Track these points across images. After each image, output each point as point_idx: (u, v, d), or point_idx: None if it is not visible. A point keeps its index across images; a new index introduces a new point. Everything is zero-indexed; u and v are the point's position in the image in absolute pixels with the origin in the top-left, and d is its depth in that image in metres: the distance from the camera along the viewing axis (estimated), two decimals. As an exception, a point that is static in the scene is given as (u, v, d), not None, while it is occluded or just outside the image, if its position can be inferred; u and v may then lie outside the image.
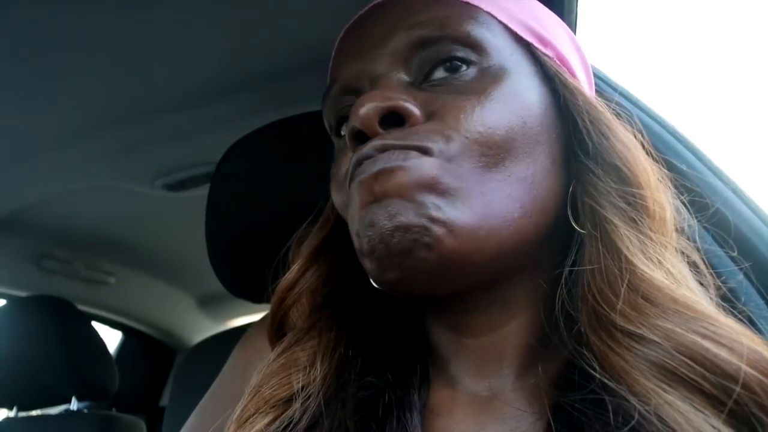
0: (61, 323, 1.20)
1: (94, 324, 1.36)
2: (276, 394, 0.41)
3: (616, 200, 0.38)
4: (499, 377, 0.40)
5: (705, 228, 0.47)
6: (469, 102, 0.37)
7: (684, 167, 0.46)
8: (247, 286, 0.70)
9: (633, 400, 0.31)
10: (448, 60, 0.39)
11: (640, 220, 0.38)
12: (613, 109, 0.42)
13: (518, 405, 0.38)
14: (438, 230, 0.34)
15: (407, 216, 0.34)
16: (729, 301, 0.38)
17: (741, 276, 0.48)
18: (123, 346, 1.83)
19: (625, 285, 0.35)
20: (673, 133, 0.59)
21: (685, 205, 0.43)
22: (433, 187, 0.35)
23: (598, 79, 0.67)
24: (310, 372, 0.41)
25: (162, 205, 1.23)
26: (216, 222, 0.72)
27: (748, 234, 0.55)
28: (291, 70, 0.81)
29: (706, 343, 0.31)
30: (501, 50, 0.40)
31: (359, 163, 0.37)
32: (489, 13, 0.41)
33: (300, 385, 0.40)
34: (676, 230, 0.40)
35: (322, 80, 0.52)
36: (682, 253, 0.40)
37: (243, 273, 0.70)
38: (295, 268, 0.48)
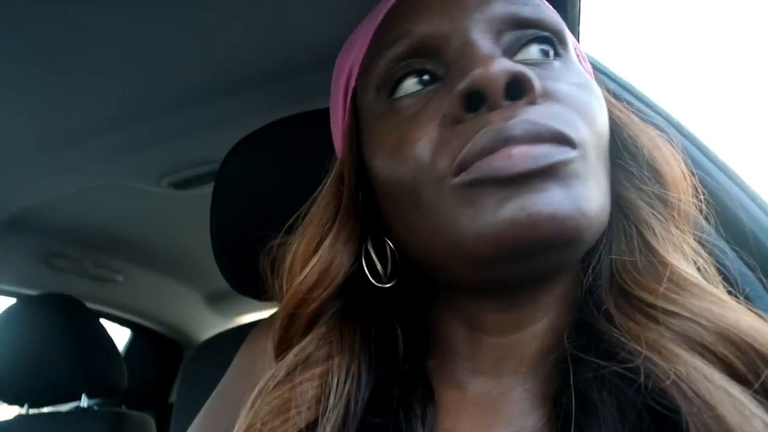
0: (71, 321, 1.21)
1: (103, 322, 1.38)
2: None
3: (654, 201, 0.40)
4: (514, 374, 0.39)
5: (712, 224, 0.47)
6: (577, 91, 0.37)
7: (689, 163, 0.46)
8: (252, 284, 0.70)
9: (666, 366, 0.31)
10: (540, 43, 0.39)
11: (674, 220, 0.39)
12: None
13: (529, 389, 0.38)
14: (582, 222, 0.33)
15: (563, 206, 0.33)
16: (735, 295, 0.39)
17: (749, 273, 0.48)
18: (132, 344, 1.85)
19: (663, 276, 0.36)
20: (679, 128, 0.59)
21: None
22: (579, 177, 0.34)
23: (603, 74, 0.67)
24: (316, 409, 0.39)
25: (169, 204, 1.24)
26: (220, 220, 0.72)
27: (757, 231, 0.55)
28: (295, 68, 0.81)
29: (743, 325, 0.32)
30: (572, 49, 0.42)
31: (501, 140, 0.33)
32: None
33: (305, 425, 0.38)
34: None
35: (327, 79, 0.52)
36: (709, 253, 0.41)
37: (248, 271, 0.71)
38: (316, 265, 0.43)
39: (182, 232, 1.42)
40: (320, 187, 0.46)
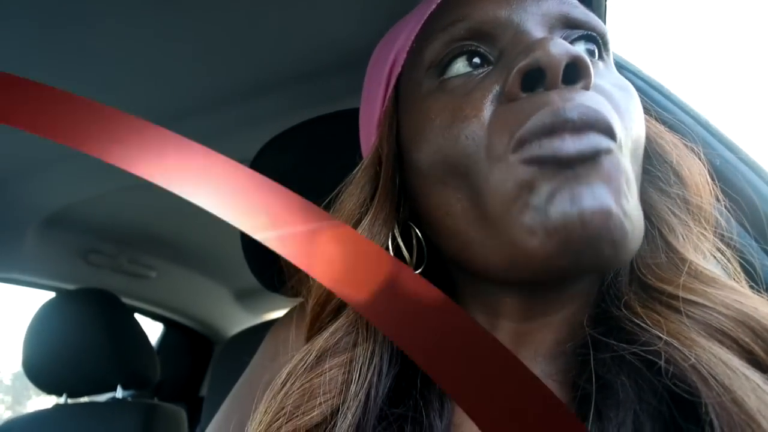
0: (107, 315, 1.25)
1: (137, 316, 1.41)
2: (306, 422, 0.39)
3: (675, 202, 0.41)
4: (532, 360, 0.40)
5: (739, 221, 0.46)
6: (619, 92, 0.38)
7: (718, 162, 0.45)
8: (280, 281, 0.72)
9: (685, 351, 0.31)
10: (587, 42, 0.40)
11: (695, 221, 0.40)
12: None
13: (546, 374, 0.38)
14: (628, 226, 0.32)
15: (610, 203, 0.32)
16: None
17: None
18: (164, 338, 1.89)
19: (683, 271, 0.36)
20: (707, 128, 0.58)
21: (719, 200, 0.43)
22: (626, 177, 0.34)
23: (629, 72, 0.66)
24: (341, 396, 0.40)
25: (201, 202, 1.26)
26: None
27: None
28: (325, 70, 0.82)
29: (762, 313, 0.32)
30: (612, 57, 0.43)
31: (560, 121, 0.33)
32: None
33: (330, 411, 0.39)
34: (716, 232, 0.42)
35: (355, 80, 0.53)
36: (732, 249, 0.41)
37: (276, 268, 0.72)
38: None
39: (213, 230, 1.44)
40: (356, 170, 0.46)
